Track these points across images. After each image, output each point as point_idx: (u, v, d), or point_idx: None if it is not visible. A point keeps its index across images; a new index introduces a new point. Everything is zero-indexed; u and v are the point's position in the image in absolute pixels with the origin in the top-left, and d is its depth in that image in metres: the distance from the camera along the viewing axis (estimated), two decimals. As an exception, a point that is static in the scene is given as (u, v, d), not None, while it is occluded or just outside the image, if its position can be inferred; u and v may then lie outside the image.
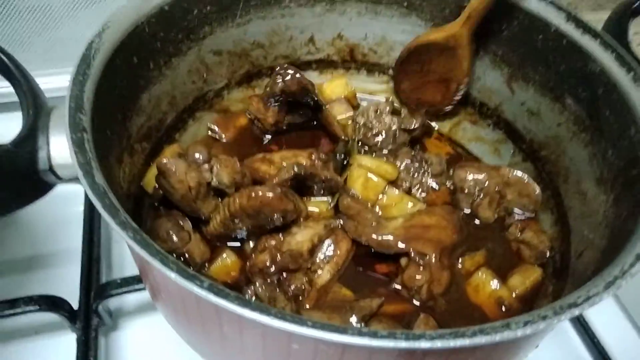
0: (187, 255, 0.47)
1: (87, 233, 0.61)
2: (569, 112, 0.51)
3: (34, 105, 0.37)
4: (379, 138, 0.58)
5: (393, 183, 0.55)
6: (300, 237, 0.47)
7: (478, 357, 0.31)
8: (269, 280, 0.45)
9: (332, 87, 0.65)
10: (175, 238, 0.47)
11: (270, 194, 0.45)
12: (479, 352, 0.30)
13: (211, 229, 0.49)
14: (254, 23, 0.58)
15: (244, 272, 0.47)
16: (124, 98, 0.46)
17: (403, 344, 0.25)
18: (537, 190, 0.53)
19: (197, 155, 0.50)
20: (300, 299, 0.46)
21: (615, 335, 0.60)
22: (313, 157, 0.54)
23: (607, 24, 0.53)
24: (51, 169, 0.36)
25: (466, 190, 0.54)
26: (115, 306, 0.58)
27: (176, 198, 0.47)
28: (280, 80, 0.56)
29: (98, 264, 0.58)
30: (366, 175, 0.53)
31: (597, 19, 0.54)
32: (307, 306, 0.46)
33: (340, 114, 0.62)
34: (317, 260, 0.48)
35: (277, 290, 0.45)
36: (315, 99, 0.58)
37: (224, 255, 0.49)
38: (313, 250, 0.48)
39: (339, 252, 0.49)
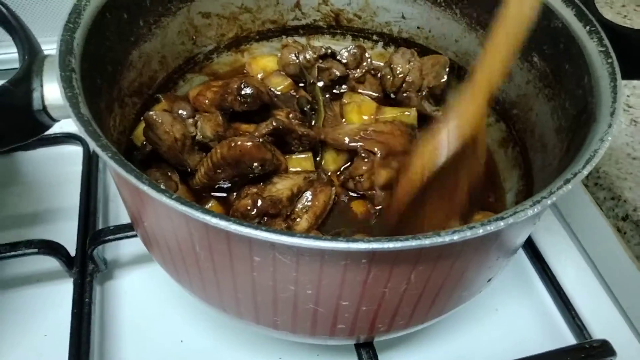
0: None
1: (84, 189, 0.65)
2: (535, 69, 0.54)
3: (29, 52, 0.41)
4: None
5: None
6: (281, 186, 0.51)
7: (423, 268, 0.34)
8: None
9: (263, 62, 0.67)
10: (162, 186, 0.51)
11: (248, 143, 0.48)
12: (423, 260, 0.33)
13: (197, 180, 0.52)
14: (243, -15, 0.61)
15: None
16: (114, 51, 0.49)
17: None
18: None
19: (181, 111, 0.53)
20: None
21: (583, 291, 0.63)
22: (290, 115, 0.57)
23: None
24: (45, 110, 0.39)
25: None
26: (111, 257, 0.61)
27: (163, 149, 0.50)
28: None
29: (94, 216, 0.62)
30: (358, 102, 0.60)
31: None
32: None
33: (279, 84, 0.64)
34: (297, 210, 0.52)
35: None
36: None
37: (210, 204, 0.53)
38: (292, 198, 0.51)
39: (317, 202, 0.52)
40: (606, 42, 0.44)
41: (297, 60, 0.64)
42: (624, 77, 0.45)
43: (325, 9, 0.67)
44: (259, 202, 0.49)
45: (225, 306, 0.41)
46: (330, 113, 0.60)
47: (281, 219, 0.50)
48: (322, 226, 0.53)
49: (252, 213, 0.48)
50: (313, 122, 0.59)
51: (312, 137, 0.54)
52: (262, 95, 0.55)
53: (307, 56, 0.64)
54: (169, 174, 0.52)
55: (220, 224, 0.29)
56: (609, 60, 0.43)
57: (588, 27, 0.46)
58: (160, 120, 0.49)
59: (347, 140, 0.55)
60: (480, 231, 0.30)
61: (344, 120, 0.60)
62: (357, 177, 0.54)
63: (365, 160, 0.54)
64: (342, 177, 0.56)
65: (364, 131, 0.56)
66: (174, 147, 0.50)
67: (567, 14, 0.48)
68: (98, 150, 0.32)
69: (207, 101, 0.57)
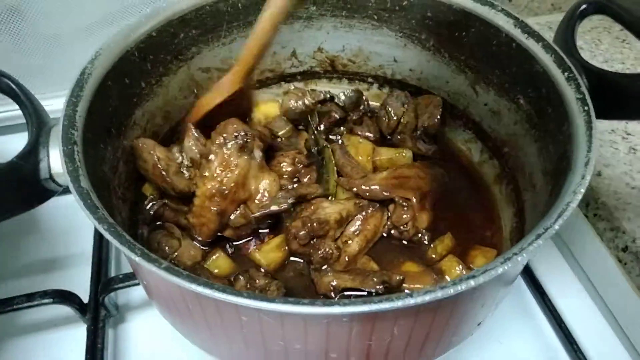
0: (178, 260, 0.53)
1: (97, 238, 0.68)
2: (522, 110, 0.55)
3: (37, 124, 0.44)
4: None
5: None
6: (330, 210, 0.54)
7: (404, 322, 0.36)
8: (302, 243, 0.52)
9: (266, 109, 0.70)
10: (165, 247, 0.54)
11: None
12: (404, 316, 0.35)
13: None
14: (239, 42, 0.64)
15: (236, 270, 0.53)
16: (117, 115, 0.52)
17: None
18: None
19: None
20: (330, 262, 0.53)
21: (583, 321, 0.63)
22: (296, 160, 0.59)
23: (559, 27, 0.56)
24: (51, 177, 0.42)
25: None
26: (122, 301, 0.64)
27: (150, 173, 0.54)
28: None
29: (106, 264, 0.65)
30: (356, 144, 0.64)
31: (555, 20, 0.58)
32: (338, 268, 0.53)
33: (281, 129, 0.67)
34: (348, 233, 0.55)
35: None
36: None
37: (216, 255, 0.55)
38: (341, 221, 0.54)
39: (367, 227, 0.55)
40: (583, 89, 0.46)
41: (297, 106, 0.67)
42: (602, 117, 0.46)
43: (320, 55, 0.69)
44: (308, 224, 0.52)
45: (222, 355, 0.43)
46: (349, 165, 0.61)
47: (330, 240, 0.53)
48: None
49: (301, 234, 0.51)
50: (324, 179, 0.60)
51: (320, 195, 0.57)
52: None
53: (307, 102, 0.67)
54: (172, 231, 0.55)
55: (205, 292, 0.31)
56: (586, 108, 0.44)
57: (566, 74, 0.48)
58: (142, 145, 0.53)
59: (381, 191, 0.56)
60: (451, 291, 0.32)
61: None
62: (402, 227, 0.56)
63: (405, 208, 0.55)
64: (386, 227, 0.57)
65: (394, 179, 0.57)
66: (158, 169, 0.53)
67: (547, 60, 0.50)
68: (95, 223, 0.35)
69: None
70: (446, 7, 0.59)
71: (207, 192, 0.51)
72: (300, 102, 0.67)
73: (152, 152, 0.52)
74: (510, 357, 0.60)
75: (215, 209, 0.51)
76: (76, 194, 0.37)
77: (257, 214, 0.53)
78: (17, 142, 0.44)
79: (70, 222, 0.73)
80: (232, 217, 0.53)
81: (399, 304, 0.31)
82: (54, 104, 0.47)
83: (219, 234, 0.55)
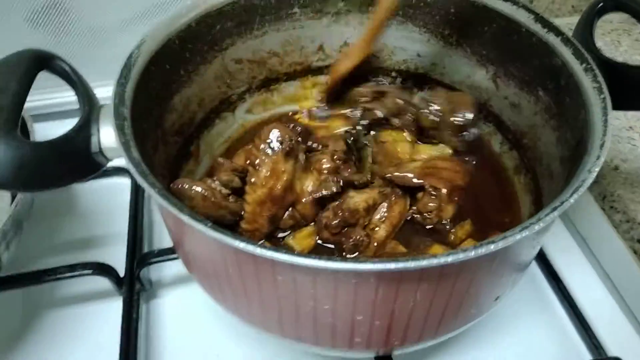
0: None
1: (132, 217, 0.72)
2: (541, 102, 0.58)
3: (88, 103, 0.48)
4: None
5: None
6: (357, 199, 0.56)
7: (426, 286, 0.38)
8: (334, 232, 0.55)
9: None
10: None
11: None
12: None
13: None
14: (270, 35, 0.68)
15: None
16: (158, 98, 0.56)
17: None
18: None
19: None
20: (361, 249, 0.55)
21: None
22: (335, 157, 0.62)
23: (578, 23, 0.59)
24: (101, 151, 0.46)
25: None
26: (155, 278, 0.68)
27: (202, 207, 0.51)
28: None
29: (141, 241, 0.69)
30: (396, 141, 0.66)
31: (575, 22, 0.60)
32: (368, 254, 0.55)
33: (338, 128, 0.70)
34: (375, 220, 0.57)
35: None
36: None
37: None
38: (368, 209, 0.56)
39: (393, 213, 0.58)
40: (600, 78, 0.48)
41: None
42: (618, 109, 0.48)
43: (346, 49, 0.73)
44: (339, 213, 0.54)
45: (254, 320, 0.46)
46: (382, 154, 0.64)
47: (360, 227, 0.56)
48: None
49: (334, 223, 0.54)
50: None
51: (365, 183, 0.59)
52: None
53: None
54: None
55: (248, 248, 0.35)
56: (602, 96, 0.47)
57: (584, 65, 0.50)
58: (180, 187, 0.51)
59: (413, 178, 0.59)
60: (472, 254, 0.34)
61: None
62: (426, 214, 0.58)
63: (433, 197, 0.58)
64: (411, 212, 0.60)
65: (427, 169, 0.60)
66: (208, 200, 0.51)
67: (566, 53, 0.52)
68: (146, 187, 0.39)
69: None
70: (469, 3, 0.62)
71: (257, 199, 0.53)
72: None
73: (193, 188, 0.51)
74: (526, 344, 0.62)
75: (266, 214, 0.54)
76: (129, 162, 0.41)
77: (307, 198, 0.55)
78: (69, 126, 0.47)
79: (107, 205, 0.77)
80: (286, 225, 0.56)
81: (423, 263, 0.34)
82: (97, 93, 0.50)
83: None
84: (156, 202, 0.41)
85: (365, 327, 0.42)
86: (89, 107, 0.48)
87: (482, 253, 0.35)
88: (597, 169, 0.40)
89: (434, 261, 0.34)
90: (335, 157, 0.61)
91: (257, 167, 0.53)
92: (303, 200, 0.56)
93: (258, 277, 0.39)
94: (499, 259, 0.40)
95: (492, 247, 0.35)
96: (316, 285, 0.38)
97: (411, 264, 0.33)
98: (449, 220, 0.58)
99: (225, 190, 0.54)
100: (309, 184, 0.56)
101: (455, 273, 0.38)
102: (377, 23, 0.63)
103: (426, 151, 0.66)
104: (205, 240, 0.40)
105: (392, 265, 0.34)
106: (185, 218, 0.36)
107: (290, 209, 0.56)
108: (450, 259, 0.34)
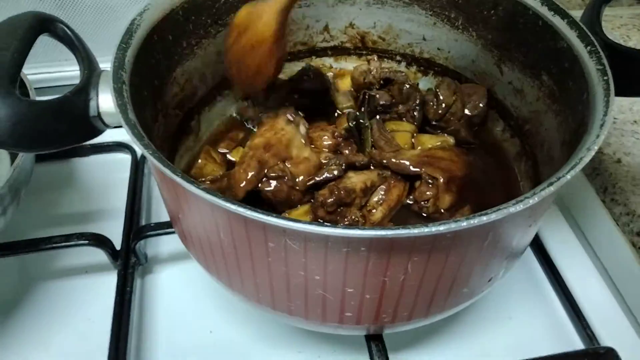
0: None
1: (131, 191, 0.72)
2: (545, 86, 0.57)
3: (88, 67, 0.48)
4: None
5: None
6: (355, 180, 0.56)
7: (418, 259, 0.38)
8: (329, 211, 0.54)
9: (341, 83, 0.73)
10: None
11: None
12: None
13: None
14: (274, 13, 0.68)
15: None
16: (160, 68, 0.56)
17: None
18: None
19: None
20: None
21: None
22: (335, 134, 0.62)
23: (585, 9, 0.58)
24: (99, 116, 0.46)
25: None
26: (151, 253, 0.68)
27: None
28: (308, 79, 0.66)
29: (139, 215, 0.69)
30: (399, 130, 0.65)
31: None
32: None
33: (343, 103, 0.70)
34: (372, 202, 0.57)
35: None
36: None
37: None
38: (366, 190, 0.56)
39: (391, 196, 0.58)
40: (604, 61, 0.48)
41: (362, 80, 0.70)
42: (621, 94, 0.48)
43: (351, 31, 0.72)
44: (335, 192, 0.54)
45: (246, 292, 0.46)
46: (383, 140, 0.63)
47: (356, 208, 0.56)
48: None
49: (329, 201, 0.53)
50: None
51: (366, 164, 0.59)
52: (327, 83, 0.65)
53: (371, 78, 0.69)
54: None
55: (239, 210, 0.34)
56: (605, 78, 0.46)
57: (589, 48, 0.49)
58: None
59: (410, 166, 0.58)
60: (464, 224, 0.34)
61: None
62: (423, 202, 0.58)
63: (430, 185, 0.57)
64: (408, 200, 0.59)
65: (425, 157, 0.59)
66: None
67: (571, 36, 0.52)
68: (141, 149, 0.39)
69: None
70: (476, -15, 0.62)
71: (253, 145, 0.56)
72: (364, 78, 0.70)
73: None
74: (520, 332, 0.62)
75: (257, 157, 0.55)
76: (125, 124, 0.41)
77: (310, 182, 0.55)
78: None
79: (106, 178, 0.77)
80: (272, 173, 0.55)
81: (415, 231, 0.33)
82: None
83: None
84: (151, 166, 0.40)
85: (356, 301, 0.42)
86: (88, 71, 0.48)
87: (474, 224, 0.34)
88: (595, 147, 0.40)
89: (425, 230, 0.33)
90: (336, 134, 0.61)
91: (260, 127, 0.57)
92: (297, 166, 0.56)
93: (250, 244, 0.39)
94: (493, 234, 0.39)
95: (484, 218, 0.34)
96: (307, 253, 0.37)
97: (402, 232, 0.33)
98: (444, 210, 0.58)
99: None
100: (306, 154, 0.56)
101: (447, 247, 0.38)
102: None
103: (428, 141, 0.65)
104: (198, 204, 0.40)
105: (382, 232, 0.33)
106: (178, 179, 0.36)
107: (280, 163, 0.56)
108: (442, 228, 0.34)
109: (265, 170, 0.54)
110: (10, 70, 0.42)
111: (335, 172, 0.56)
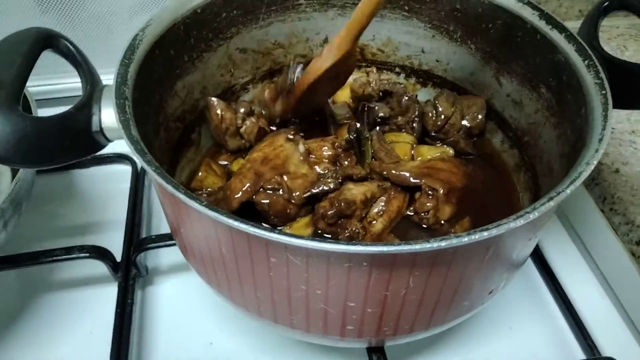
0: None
1: (131, 203, 0.72)
2: (543, 99, 0.58)
3: (91, 83, 0.48)
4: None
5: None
6: (355, 191, 0.56)
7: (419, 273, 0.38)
8: (330, 223, 0.55)
9: (340, 94, 0.72)
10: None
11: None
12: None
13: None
14: (275, 26, 0.68)
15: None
16: (161, 82, 0.56)
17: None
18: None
19: (241, 109, 0.65)
20: (357, 240, 0.55)
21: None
22: (336, 145, 0.62)
23: (583, 21, 0.59)
24: (101, 131, 0.46)
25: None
26: (152, 265, 0.68)
27: (211, 128, 0.64)
28: (293, 75, 0.66)
29: (139, 227, 0.69)
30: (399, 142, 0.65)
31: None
32: None
33: (340, 115, 0.70)
34: (373, 213, 0.57)
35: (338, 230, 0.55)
36: None
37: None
38: (366, 202, 0.56)
39: (391, 208, 0.58)
40: (602, 74, 0.48)
41: (361, 92, 0.70)
42: (619, 107, 0.48)
43: (321, 50, 0.72)
44: (336, 204, 0.54)
45: (247, 305, 0.46)
46: (383, 151, 0.64)
47: (356, 219, 0.56)
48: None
49: (330, 213, 0.54)
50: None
51: (364, 176, 0.59)
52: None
53: (371, 89, 0.69)
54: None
55: (241, 227, 0.35)
56: (603, 92, 0.46)
57: (587, 62, 0.50)
58: (214, 104, 0.62)
59: (410, 177, 0.59)
60: (465, 240, 0.34)
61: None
62: (423, 214, 0.58)
63: (430, 197, 0.57)
64: (408, 212, 0.59)
65: (425, 168, 0.60)
66: (219, 128, 0.63)
67: (569, 49, 0.52)
68: (144, 165, 0.39)
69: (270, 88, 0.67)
70: (475, -1, 0.62)
71: (251, 158, 0.57)
72: (363, 90, 0.70)
73: (219, 114, 0.63)
74: (521, 342, 0.62)
75: (254, 169, 0.55)
76: (127, 140, 0.41)
77: (306, 194, 0.55)
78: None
79: (107, 192, 0.77)
80: (268, 185, 0.55)
81: (416, 247, 0.34)
82: (104, 80, 0.51)
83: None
84: (153, 182, 0.41)
85: (357, 314, 0.42)
86: (91, 86, 0.48)
87: (475, 240, 0.35)
88: (595, 162, 0.40)
89: (427, 246, 0.34)
90: (336, 144, 0.61)
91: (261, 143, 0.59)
92: (294, 180, 0.56)
93: (252, 259, 0.39)
94: (493, 249, 0.40)
95: (485, 234, 0.35)
96: (309, 268, 0.38)
97: (404, 248, 0.33)
98: (445, 221, 0.58)
99: (242, 131, 0.64)
100: (304, 171, 0.57)
101: (449, 261, 0.38)
102: (361, 16, 0.55)
103: (427, 152, 0.66)
104: (201, 219, 0.40)
105: (385, 248, 0.34)
106: (181, 196, 0.37)
107: (277, 176, 0.56)
108: (443, 244, 0.34)
109: (262, 183, 0.55)
110: (14, 87, 0.42)
111: (332, 185, 0.56)
